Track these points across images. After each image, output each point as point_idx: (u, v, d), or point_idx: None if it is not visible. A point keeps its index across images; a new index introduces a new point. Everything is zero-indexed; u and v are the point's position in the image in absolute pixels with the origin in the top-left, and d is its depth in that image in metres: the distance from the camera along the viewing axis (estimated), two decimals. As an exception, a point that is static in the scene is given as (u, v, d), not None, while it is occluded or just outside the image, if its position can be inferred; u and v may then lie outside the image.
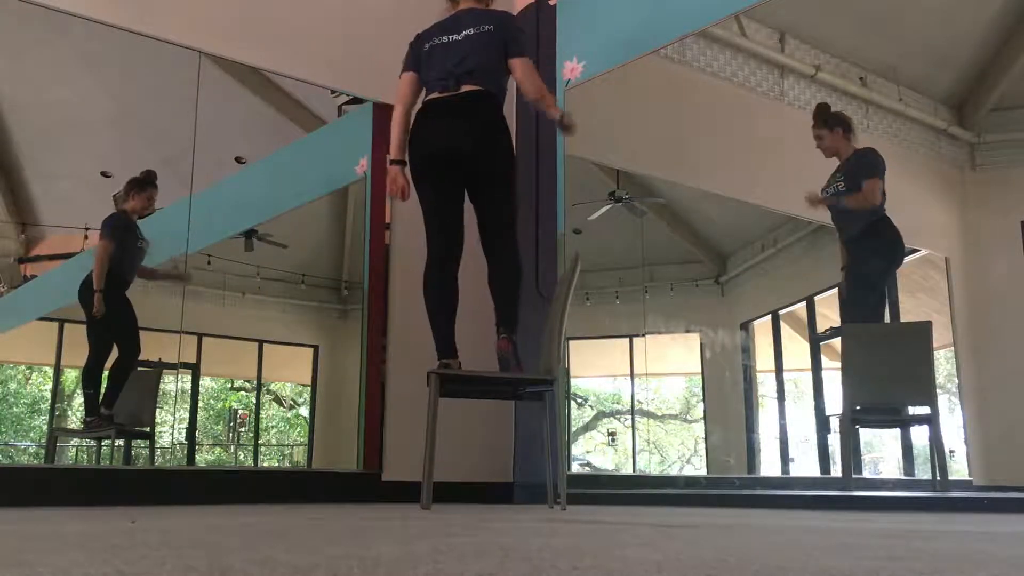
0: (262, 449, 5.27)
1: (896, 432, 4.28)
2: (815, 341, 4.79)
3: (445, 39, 3.28)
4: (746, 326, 5.29)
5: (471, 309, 4.51)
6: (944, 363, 4.15)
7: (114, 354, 4.08)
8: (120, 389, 4.05)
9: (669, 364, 5.75)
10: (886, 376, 3.83)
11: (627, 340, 5.56)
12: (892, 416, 4.01)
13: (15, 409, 4.12)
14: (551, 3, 4.80)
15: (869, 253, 3.91)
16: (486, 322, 4.53)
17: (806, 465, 4.86)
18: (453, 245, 3.28)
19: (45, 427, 4.08)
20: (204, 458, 4.71)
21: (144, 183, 4.13)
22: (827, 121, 3.92)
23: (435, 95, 3.23)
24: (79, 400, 4.12)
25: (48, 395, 4.17)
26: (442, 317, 3.24)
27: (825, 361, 4.65)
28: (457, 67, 3.19)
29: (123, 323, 4.05)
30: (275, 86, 4.43)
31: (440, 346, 3.18)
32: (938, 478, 3.65)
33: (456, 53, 3.22)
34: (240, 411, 5.03)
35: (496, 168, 3.22)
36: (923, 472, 4.08)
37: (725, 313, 5.39)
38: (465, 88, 3.18)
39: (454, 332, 3.25)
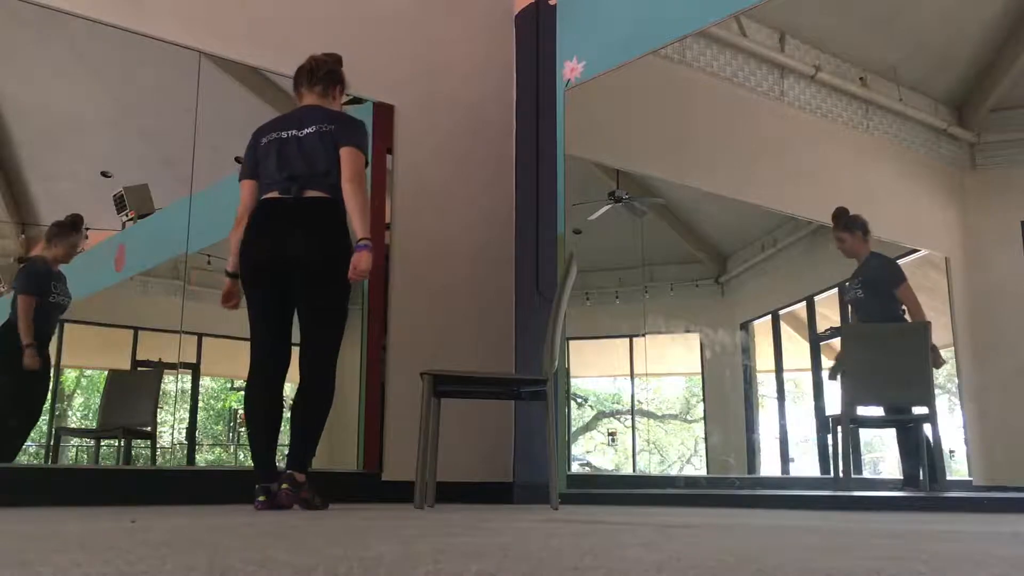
0: (262, 449, 5.26)
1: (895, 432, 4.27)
2: (815, 341, 4.79)
3: (284, 134, 3.04)
4: (746, 326, 5.29)
5: (471, 309, 4.52)
6: (944, 363, 4.15)
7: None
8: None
9: (669, 364, 5.74)
10: (885, 376, 3.83)
11: (627, 340, 5.56)
12: (891, 416, 4.02)
13: (15, 409, 4.11)
14: (551, 3, 4.80)
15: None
16: (485, 322, 4.53)
17: (806, 465, 4.86)
18: (280, 358, 3.01)
19: (45, 427, 4.08)
20: (204, 458, 4.71)
21: (68, 230, 3.91)
22: (848, 225, 4.06)
23: (274, 195, 2.98)
24: (79, 400, 4.12)
25: (48, 395, 4.17)
26: (263, 437, 2.96)
27: (825, 361, 4.64)
28: (300, 171, 2.96)
29: (37, 391, 3.85)
30: (275, 86, 4.42)
31: (258, 466, 2.92)
32: (935, 478, 3.65)
33: (297, 153, 2.98)
34: (240, 411, 5.03)
35: (328, 276, 2.95)
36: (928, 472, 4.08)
37: (725, 313, 5.39)
38: (308, 193, 2.95)
39: (275, 453, 2.99)
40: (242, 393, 3.36)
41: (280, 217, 2.97)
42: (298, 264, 2.93)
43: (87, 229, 4.09)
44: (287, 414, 3.01)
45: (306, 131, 3.03)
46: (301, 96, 3.19)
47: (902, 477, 3.91)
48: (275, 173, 3.00)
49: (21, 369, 3.78)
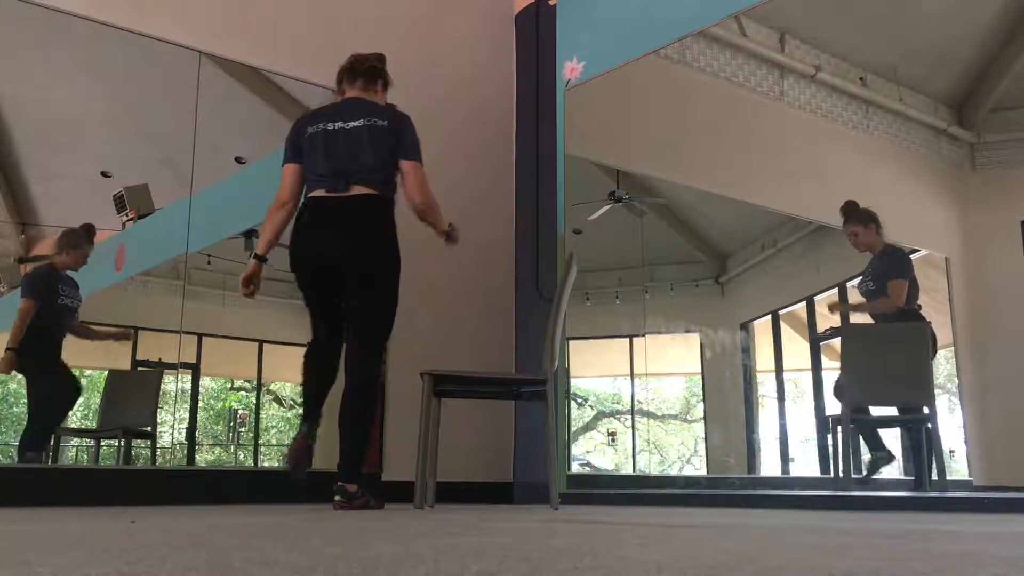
0: (262, 449, 5.27)
1: (896, 432, 4.27)
2: (815, 341, 4.79)
3: (331, 126, 3.02)
4: (746, 326, 5.29)
5: (471, 309, 4.52)
6: (944, 363, 4.15)
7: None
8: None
9: (669, 364, 5.74)
10: (885, 376, 3.83)
11: (627, 340, 5.56)
12: (890, 416, 4.02)
13: (15, 409, 4.12)
14: (551, 3, 4.80)
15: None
16: (485, 322, 4.53)
17: (806, 465, 4.86)
18: (337, 344, 3.07)
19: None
20: (204, 458, 4.71)
21: (81, 240, 3.98)
22: (860, 218, 4.00)
23: (321, 193, 2.99)
24: (79, 400, 4.11)
25: (75, 395, 4.16)
26: (313, 387, 3.07)
27: (825, 361, 4.64)
28: (348, 164, 2.96)
29: (43, 392, 3.91)
30: (275, 86, 4.42)
31: (307, 407, 3.07)
32: (935, 477, 3.65)
33: (345, 146, 2.98)
34: (240, 411, 5.03)
35: (374, 278, 3.00)
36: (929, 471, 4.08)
37: (725, 313, 5.39)
38: (355, 190, 2.95)
39: (323, 402, 3.09)
40: (242, 393, 3.37)
41: (327, 219, 2.99)
42: (345, 268, 2.98)
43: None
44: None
45: (353, 124, 3.02)
46: (343, 92, 3.19)
47: (913, 477, 3.91)
48: (322, 167, 3.00)
49: (45, 372, 3.89)
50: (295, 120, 3.18)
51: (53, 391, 3.97)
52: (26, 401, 4.03)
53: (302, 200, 3.08)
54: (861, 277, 4.12)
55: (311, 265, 3.02)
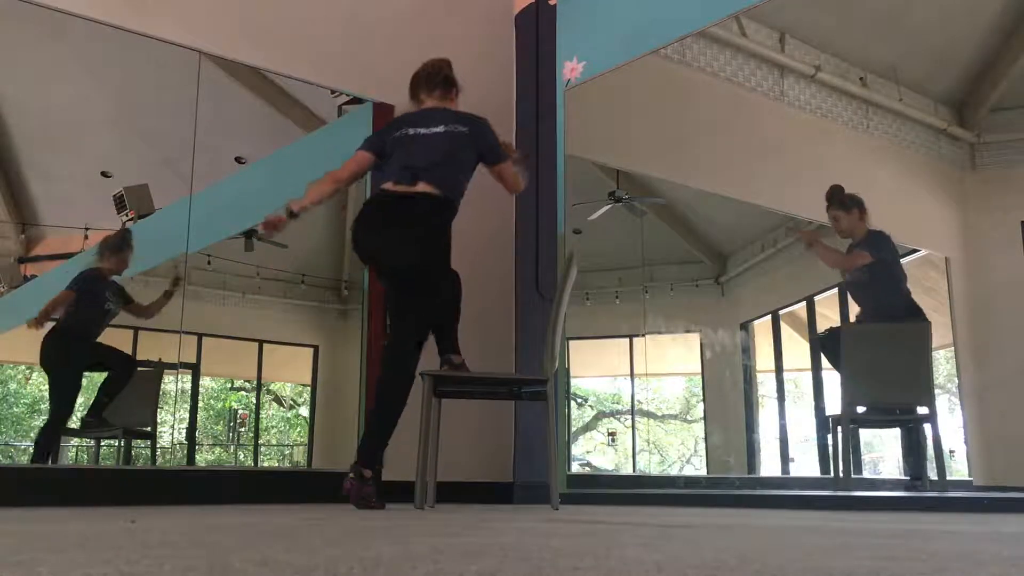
0: (262, 449, 5.27)
1: (896, 432, 4.28)
2: (815, 341, 4.79)
3: (412, 131, 3.16)
4: (746, 326, 5.29)
5: (471, 309, 4.51)
6: (944, 363, 4.15)
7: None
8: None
9: (669, 364, 5.74)
10: (885, 376, 3.83)
11: (627, 340, 5.56)
12: (890, 416, 4.02)
13: (15, 409, 4.12)
14: (551, 3, 4.80)
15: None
16: (485, 322, 4.53)
17: (806, 465, 4.86)
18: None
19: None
20: (204, 458, 4.71)
21: (120, 244, 4.07)
22: (844, 203, 3.96)
23: (389, 185, 3.10)
24: (79, 400, 4.12)
25: (48, 395, 4.16)
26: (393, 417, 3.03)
27: (825, 361, 4.64)
28: (420, 162, 3.07)
29: (65, 384, 3.99)
30: (275, 86, 4.42)
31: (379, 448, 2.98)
32: (934, 477, 3.65)
33: (423, 148, 3.11)
34: (240, 411, 5.03)
35: (408, 283, 3.06)
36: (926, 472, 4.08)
37: (725, 313, 5.39)
38: (420, 187, 3.04)
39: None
40: (241, 393, 3.37)
41: (384, 213, 3.10)
42: (388, 267, 3.13)
43: (87, 229, 4.10)
44: None
45: (434, 130, 3.16)
46: (421, 101, 3.30)
47: (909, 476, 3.91)
48: (397, 164, 3.13)
49: (65, 369, 3.96)
50: (394, 117, 3.39)
51: (71, 392, 4.03)
52: (30, 400, 4.06)
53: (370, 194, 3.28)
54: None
55: (362, 255, 3.20)
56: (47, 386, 4.01)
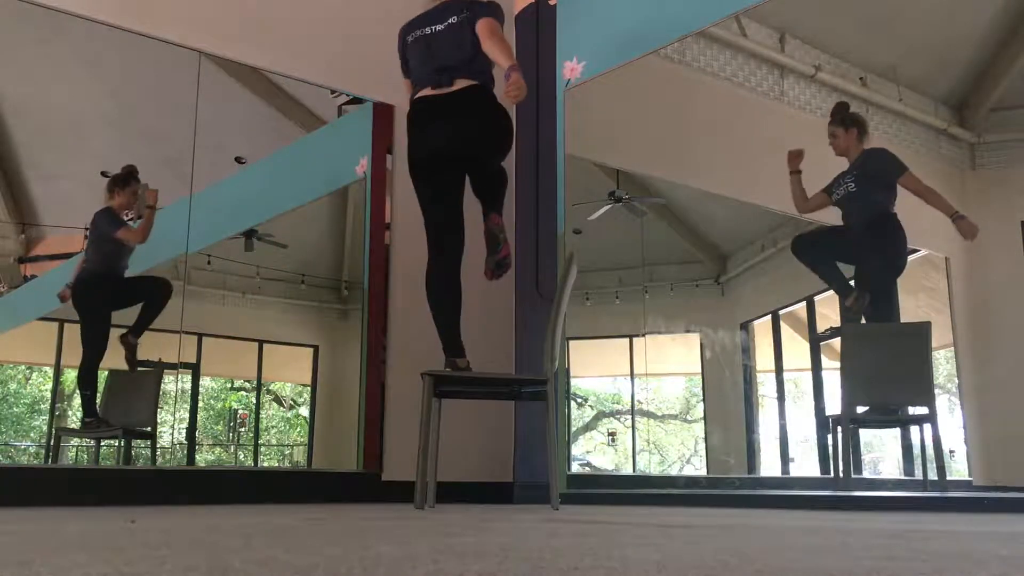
0: (262, 449, 5.27)
1: (896, 432, 4.28)
2: (815, 341, 4.79)
3: (428, 30, 3.27)
4: (746, 326, 5.29)
5: (471, 309, 4.51)
6: (944, 363, 4.15)
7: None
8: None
9: (669, 364, 5.74)
10: (885, 376, 3.83)
11: (627, 340, 5.55)
12: (891, 416, 4.02)
13: (15, 409, 4.12)
14: (551, 3, 4.80)
15: (874, 253, 3.92)
16: (485, 322, 4.53)
17: (806, 465, 4.86)
18: (454, 242, 3.28)
19: (45, 427, 4.08)
20: (204, 458, 4.71)
21: (127, 179, 4.11)
22: (844, 120, 3.92)
23: (427, 91, 3.21)
24: (79, 400, 4.12)
25: (48, 395, 4.17)
26: (444, 318, 3.24)
27: (825, 361, 4.64)
28: (450, 60, 3.18)
29: (97, 324, 4.06)
30: (275, 86, 4.43)
31: (445, 341, 3.20)
32: (934, 478, 3.65)
33: (440, 46, 3.22)
34: (240, 411, 5.03)
35: (495, 159, 3.30)
36: (923, 472, 4.08)
37: (725, 313, 5.39)
38: (458, 83, 3.17)
39: (458, 331, 3.27)
40: (242, 393, 3.37)
41: (439, 115, 3.18)
42: (461, 157, 3.22)
43: (87, 229, 4.10)
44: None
45: (448, 22, 3.25)
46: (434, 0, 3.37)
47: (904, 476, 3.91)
48: (423, 68, 3.22)
49: (95, 309, 4.03)
50: (399, 31, 3.41)
51: (103, 330, 4.08)
52: (30, 400, 4.07)
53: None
54: (835, 184, 4.04)
55: (425, 160, 3.22)
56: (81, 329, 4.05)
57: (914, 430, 4.00)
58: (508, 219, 4.74)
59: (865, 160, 3.94)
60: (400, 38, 3.39)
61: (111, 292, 4.11)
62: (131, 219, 4.10)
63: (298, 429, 5.25)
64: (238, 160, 4.61)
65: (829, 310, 4.71)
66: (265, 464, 5.17)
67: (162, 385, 4.24)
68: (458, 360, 3.15)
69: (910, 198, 4.49)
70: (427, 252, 3.30)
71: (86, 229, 4.10)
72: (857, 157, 3.95)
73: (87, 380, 4.03)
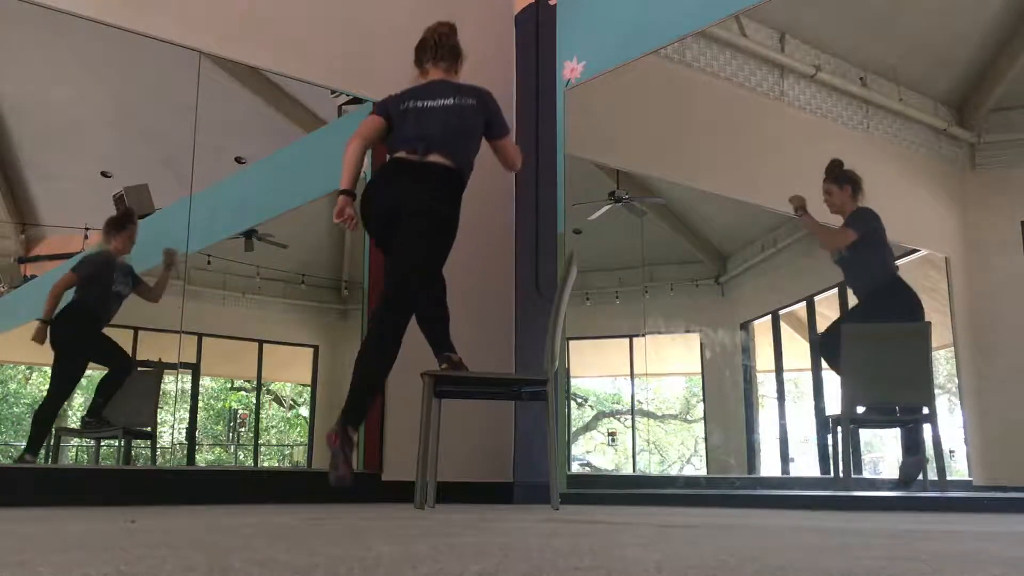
0: (262, 449, 5.27)
1: (896, 432, 4.28)
2: (815, 341, 4.79)
3: (420, 104, 3.18)
4: (746, 326, 5.29)
5: (471, 309, 4.51)
6: (944, 363, 4.15)
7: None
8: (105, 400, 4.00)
9: (669, 364, 5.74)
10: (885, 376, 3.83)
11: (627, 340, 5.55)
12: (891, 416, 4.02)
13: (15, 409, 4.12)
14: (551, 3, 4.80)
15: (886, 312, 3.93)
16: (485, 322, 4.53)
17: (806, 465, 4.86)
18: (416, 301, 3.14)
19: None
20: (204, 458, 4.71)
21: (124, 223, 4.04)
22: (838, 178, 3.96)
23: (401, 154, 3.11)
24: (79, 400, 4.12)
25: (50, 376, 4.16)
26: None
27: (825, 362, 4.64)
28: (433, 134, 3.08)
29: (65, 373, 3.98)
30: (275, 86, 4.43)
31: (358, 408, 2.90)
32: (934, 478, 3.65)
33: (434, 120, 3.12)
34: (240, 411, 5.03)
35: (419, 228, 3.04)
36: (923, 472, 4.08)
37: (725, 313, 5.39)
38: (432, 157, 3.07)
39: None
40: (242, 393, 3.36)
41: (402, 175, 3.11)
42: (404, 214, 3.05)
43: (87, 229, 4.10)
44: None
45: (442, 102, 3.18)
46: (426, 72, 3.32)
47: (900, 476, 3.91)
48: (408, 134, 3.13)
49: (73, 350, 3.95)
50: (388, 96, 3.30)
51: (75, 373, 4.04)
52: (30, 400, 4.04)
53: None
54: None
55: (373, 217, 3.14)
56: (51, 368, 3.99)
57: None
58: (508, 219, 4.75)
59: (854, 220, 3.95)
60: (391, 100, 3.25)
61: (93, 338, 4.02)
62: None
63: (298, 429, 5.25)
64: (238, 160, 4.61)
65: (829, 310, 4.72)
66: (265, 464, 5.17)
67: (162, 385, 4.24)
68: (349, 428, 2.82)
69: (910, 198, 4.50)
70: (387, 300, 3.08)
71: (86, 229, 4.10)
72: (849, 216, 3.95)
73: (45, 418, 3.90)
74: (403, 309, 3.01)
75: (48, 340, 3.87)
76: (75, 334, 3.95)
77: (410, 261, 3.04)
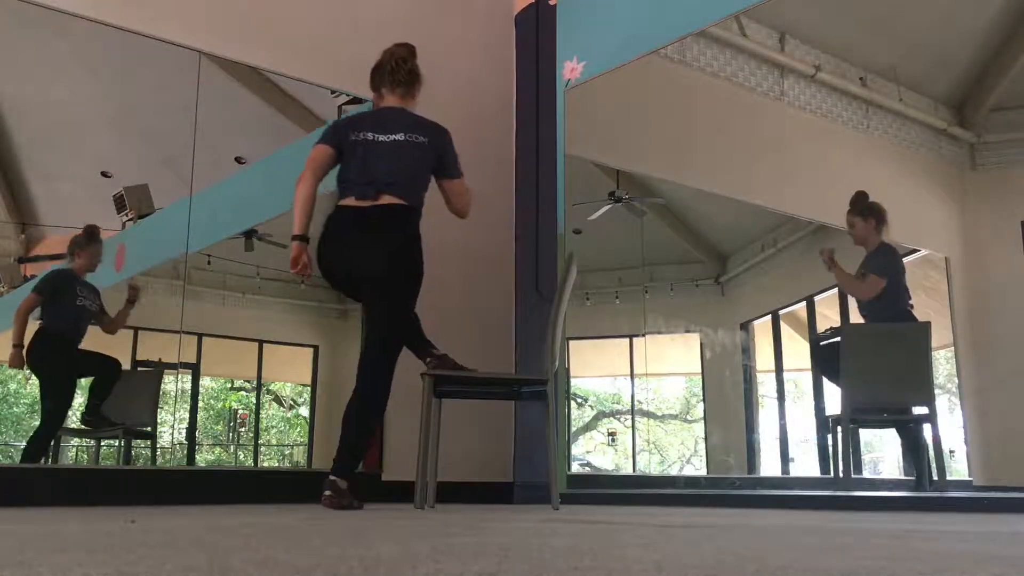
0: (262, 449, 5.27)
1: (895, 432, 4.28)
2: (815, 341, 4.79)
3: (371, 136, 3.05)
4: (746, 326, 5.29)
5: (471, 309, 4.52)
6: (944, 363, 4.15)
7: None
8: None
9: (669, 364, 5.74)
10: (885, 376, 3.83)
11: (627, 340, 5.56)
12: (891, 416, 4.02)
13: (15, 409, 4.12)
14: (551, 3, 4.80)
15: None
16: (485, 322, 4.53)
17: (806, 465, 4.86)
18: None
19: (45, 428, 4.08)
20: (204, 458, 4.71)
21: (87, 240, 3.99)
22: (862, 211, 3.97)
23: (351, 201, 3.03)
24: (79, 400, 4.12)
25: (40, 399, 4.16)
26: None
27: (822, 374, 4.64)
28: (381, 175, 3.00)
29: (51, 394, 3.91)
30: (275, 86, 4.43)
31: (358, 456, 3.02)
32: (935, 478, 3.65)
33: (382, 158, 3.02)
34: (240, 411, 5.03)
35: (387, 283, 3.02)
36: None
37: (725, 313, 5.39)
38: (384, 200, 2.99)
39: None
40: (241, 393, 3.36)
41: (355, 230, 3.02)
42: (368, 279, 3.02)
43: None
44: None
45: (392, 137, 3.05)
46: (382, 96, 3.20)
47: (914, 477, 3.90)
48: (356, 175, 3.03)
49: (51, 372, 3.89)
50: (338, 121, 3.20)
51: (61, 395, 3.97)
52: (30, 400, 4.04)
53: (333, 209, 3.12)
54: (856, 273, 4.12)
55: (333, 276, 3.12)
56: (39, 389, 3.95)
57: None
58: (508, 219, 4.75)
59: (874, 257, 3.97)
60: (345, 124, 3.16)
61: (69, 357, 3.95)
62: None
63: (298, 429, 5.25)
64: (238, 160, 4.61)
65: (829, 310, 4.72)
66: (265, 464, 5.17)
67: (162, 385, 4.24)
68: (338, 480, 2.87)
69: (910, 198, 4.50)
70: (377, 348, 3.07)
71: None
72: (872, 250, 3.97)
73: (37, 451, 3.80)
74: (393, 354, 3.07)
75: (27, 366, 3.83)
76: (51, 356, 3.89)
77: (389, 320, 3.05)
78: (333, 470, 2.91)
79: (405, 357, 4.26)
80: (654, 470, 5.70)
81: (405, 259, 3.03)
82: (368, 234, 3.01)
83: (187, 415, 4.40)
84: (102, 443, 4.25)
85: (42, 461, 3.86)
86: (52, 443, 4.01)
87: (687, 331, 5.53)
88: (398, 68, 3.18)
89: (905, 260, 4.23)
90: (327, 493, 2.86)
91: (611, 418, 5.92)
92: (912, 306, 3.90)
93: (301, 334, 5.04)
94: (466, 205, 3.21)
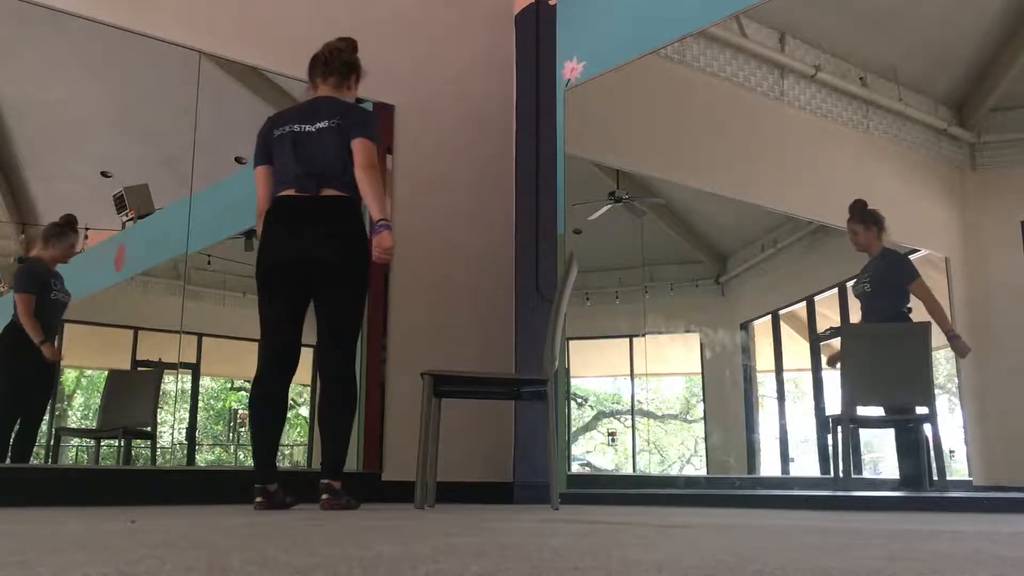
0: (262, 449, 5.27)
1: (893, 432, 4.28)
2: (815, 341, 4.79)
3: (297, 128, 3.00)
4: (746, 326, 5.29)
5: (471, 309, 4.52)
6: (944, 363, 4.15)
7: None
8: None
9: (669, 364, 5.74)
10: (885, 376, 3.83)
11: (627, 340, 5.56)
12: (890, 416, 4.02)
13: (15, 409, 4.11)
14: (551, 3, 4.80)
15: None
16: (485, 322, 4.54)
17: (806, 465, 4.86)
18: (291, 360, 2.98)
19: (45, 427, 4.08)
20: (204, 458, 4.71)
21: (64, 230, 3.90)
22: (864, 219, 4.01)
23: (291, 192, 2.95)
24: (79, 400, 4.12)
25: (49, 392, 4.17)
26: (266, 440, 2.94)
27: (824, 362, 4.64)
28: (316, 167, 2.94)
29: (31, 387, 3.86)
30: (275, 86, 4.42)
31: (258, 466, 2.91)
32: (935, 478, 3.66)
33: (310, 147, 2.96)
34: (240, 411, 5.03)
35: (349, 276, 2.95)
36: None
37: (725, 313, 5.39)
38: (326, 192, 2.93)
39: (276, 454, 3.02)
40: (242, 393, 3.36)
41: (297, 216, 2.94)
42: (318, 264, 2.92)
43: (87, 229, 4.09)
44: (291, 416, 3.02)
45: (318, 125, 2.99)
46: (316, 87, 3.14)
47: (899, 477, 3.91)
48: (292, 169, 2.96)
49: (21, 368, 3.82)
50: (260, 130, 3.12)
51: (40, 388, 3.93)
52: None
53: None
54: (856, 279, 4.13)
55: (279, 264, 2.95)
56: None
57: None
58: (508, 219, 4.75)
59: (880, 263, 4.00)
60: (265, 129, 3.08)
61: (36, 357, 3.84)
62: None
63: (298, 429, 5.25)
64: (238, 160, 4.61)
65: (829, 310, 4.72)
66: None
67: (162, 385, 4.24)
68: (268, 486, 2.85)
69: (910, 198, 4.50)
70: (259, 363, 2.99)
71: (86, 230, 4.10)
72: (875, 256, 4.00)
73: (27, 440, 3.77)
74: (353, 361, 3.01)
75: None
76: (25, 351, 3.80)
77: (351, 309, 2.99)
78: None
79: (405, 357, 4.27)
80: (654, 470, 5.70)
81: (358, 247, 2.97)
82: (314, 222, 2.93)
83: (187, 415, 4.40)
84: (102, 443, 4.25)
85: (45, 459, 3.86)
86: (52, 441, 4.01)
87: (687, 331, 5.53)
88: (332, 58, 3.14)
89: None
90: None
91: (611, 418, 5.92)
92: (911, 309, 3.91)
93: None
94: (364, 159, 2.95)
